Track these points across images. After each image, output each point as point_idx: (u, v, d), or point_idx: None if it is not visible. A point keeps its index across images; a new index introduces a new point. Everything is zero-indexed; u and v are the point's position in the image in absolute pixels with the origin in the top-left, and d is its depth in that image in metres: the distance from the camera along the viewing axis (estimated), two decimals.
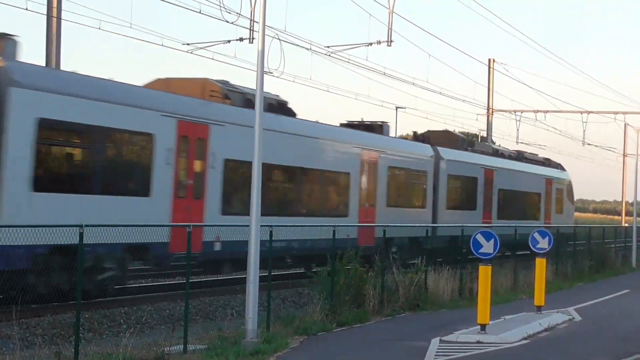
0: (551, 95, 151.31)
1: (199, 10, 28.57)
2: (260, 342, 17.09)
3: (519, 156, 51.60)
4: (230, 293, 25.75)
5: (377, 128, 37.42)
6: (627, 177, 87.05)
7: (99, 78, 23.58)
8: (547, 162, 56.11)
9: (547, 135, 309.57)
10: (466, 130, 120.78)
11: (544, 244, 24.79)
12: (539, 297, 24.19)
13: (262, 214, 17.69)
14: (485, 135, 68.35)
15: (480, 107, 64.25)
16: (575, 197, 62.84)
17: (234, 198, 27.01)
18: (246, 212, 18.00)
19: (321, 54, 35.29)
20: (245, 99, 28.37)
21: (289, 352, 17.13)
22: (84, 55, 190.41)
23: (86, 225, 14.90)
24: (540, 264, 24.80)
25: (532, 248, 25.05)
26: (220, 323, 20.05)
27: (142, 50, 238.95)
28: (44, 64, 25.79)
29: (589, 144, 68.28)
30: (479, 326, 19.53)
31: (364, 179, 34.11)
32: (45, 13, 30.98)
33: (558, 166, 57.77)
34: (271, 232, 19.65)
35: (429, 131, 44.39)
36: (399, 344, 18.70)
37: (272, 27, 29.63)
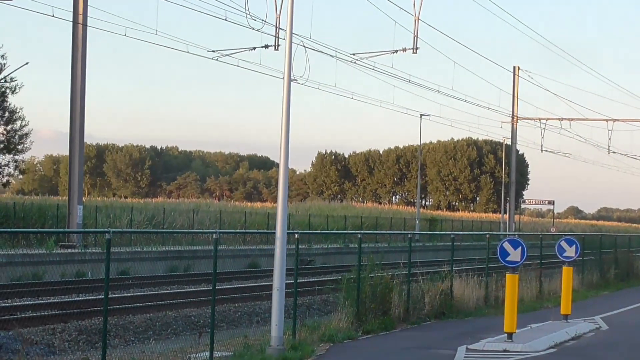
0: (576, 103, 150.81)
1: (224, 18, 28.64)
2: (286, 350, 17.05)
3: None
4: (255, 300, 25.75)
5: None
6: None
7: None
8: None
9: (572, 143, 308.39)
10: (490, 138, 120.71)
11: (570, 252, 24.68)
12: (566, 306, 24.05)
13: None
14: (510, 143, 68.15)
15: (504, 115, 64.18)
16: (599, 205, 61.52)
17: None
18: None
19: (346, 61, 35.28)
20: None
21: (315, 359, 17.08)
22: (110, 61, 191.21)
23: (113, 231, 14.92)
24: (567, 272, 24.67)
25: (559, 256, 24.94)
26: (246, 330, 20.04)
27: (168, 56, 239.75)
28: (69, 70, 25.87)
29: (614, 152, 67.84)
30: (506, 334, 19.42)
31: None
32: (72, 20, 31.12)
33: None
34: (297, 239, 19.59)
35: None
36: (425, 352, 18.62)
37: (297, 34, 29.62)
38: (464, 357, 17.85)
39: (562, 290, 24.49)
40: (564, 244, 24.85)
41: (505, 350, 18.64)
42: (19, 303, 23.55)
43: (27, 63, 54.85)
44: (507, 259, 19.59)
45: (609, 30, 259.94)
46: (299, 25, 42.30)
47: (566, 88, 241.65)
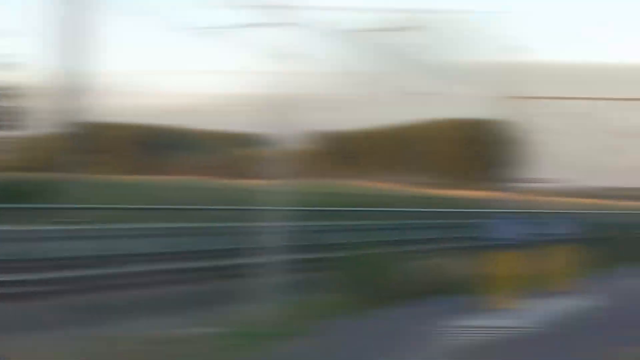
0: (576, 80, 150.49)
1: None
2: (277, 326, 16.95)
3: None
4: (248, 276, 25.63)
5: None
6: None
7: None
8: None
9: (573, 122, 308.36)
10: (488, 117, 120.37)
11: (567, 229, 24.71)
12: (561, 282, 24.04)
13: None
14: (509, 121, 68.06)
15: (501, 93, 63.85)
16: (600, 184, 61.37)
17: None
18: None
19: (339, 38, 35.01)
20: None
21: (306, 336, 16.97)
22: (110, 39, 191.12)
23: (109, 207, 14.81)
24: (563, 249, 24.64)
25: (555, 234, 24.89)
26: (238, 306, 19.91)
27: (152, 34, 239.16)
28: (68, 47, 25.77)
29: (616, 131, 67.57)
30: (498, 310, 19.39)
31: None
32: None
33: None
34: (293, 215, 19.49)
35: None
36: (417, 328, 18.51)
37: (291, 8, 29.40)
38: (455, 332, 17.77)
39: (558, 266, 24.47)
40: (559, 221, 24.89)
41: (497, 326, 18.58)
42: (7, 278, 23.41)
43: (23, 38, 54.74)
44: (501, 236, 19.58)
45: (610, 18, 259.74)
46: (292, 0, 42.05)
47: (567, 65, 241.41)
